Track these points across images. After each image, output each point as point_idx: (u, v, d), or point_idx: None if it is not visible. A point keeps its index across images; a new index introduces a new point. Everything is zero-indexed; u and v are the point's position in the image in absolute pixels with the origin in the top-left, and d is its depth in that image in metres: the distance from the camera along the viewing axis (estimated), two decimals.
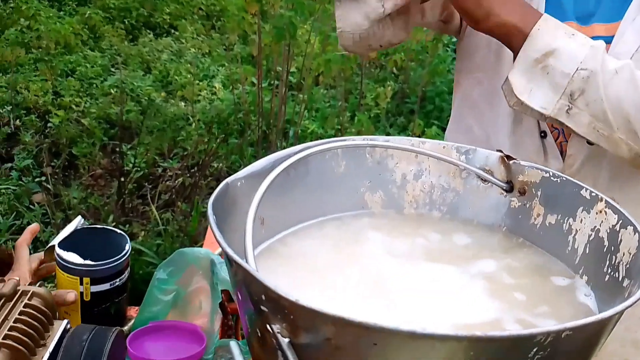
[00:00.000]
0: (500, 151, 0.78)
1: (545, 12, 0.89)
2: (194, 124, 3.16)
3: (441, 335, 0.45)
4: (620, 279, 0.60)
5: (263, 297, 0.45)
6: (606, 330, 0.51)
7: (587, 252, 0.68)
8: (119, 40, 3.86)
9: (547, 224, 0.73)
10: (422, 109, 3.45)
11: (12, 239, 2.34)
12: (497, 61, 0.93)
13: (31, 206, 2.60)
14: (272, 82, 3.13)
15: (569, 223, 0.71)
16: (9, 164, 2.86)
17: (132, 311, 1.16)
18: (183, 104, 3.35)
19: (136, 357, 0.82)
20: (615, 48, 0.85)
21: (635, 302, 0.49)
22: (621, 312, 0.48)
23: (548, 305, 0.64)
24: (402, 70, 3.78)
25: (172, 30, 4.18)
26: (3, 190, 2.66)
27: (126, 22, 4.12)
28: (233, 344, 0.58)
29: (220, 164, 2.90)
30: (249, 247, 0.46)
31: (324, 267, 0.66)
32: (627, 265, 0.59)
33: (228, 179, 0.62)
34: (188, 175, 2.81)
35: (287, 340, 0.45)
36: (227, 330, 0.99)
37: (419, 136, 3.23)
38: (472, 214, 0.79)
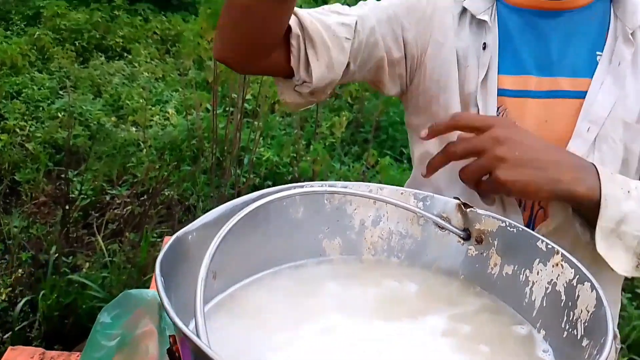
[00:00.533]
0: (458, 198, 0.77)
1: (500, 65, 0.88)
2: (145, 150, 3.09)
3: None
4: (579, 337, 0.59)
5: None
6: None
7: (545, 305, 0.67)
8: (68, 63, 3.76)
9: (504, 274, 0.73)
10: (375, 139, 3.49)
11: None
12: (446, 115, 0.89)
13: None
14: (228, 108, 3.10)
15: (526, 274, 0.70)
16: None
17: (74, 357, 1.09)
18: (134, 129, 3.27)
19: None
20: (588, 113, 0.87)
21: None
22: None
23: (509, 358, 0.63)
24: (356, 100, 3.82)
25: (125, 54, 4.10)
26: None
27: (77, 44, 4.02)
28: None
29: (172, 192, 2.83)
30: (201, 322, 0.43)
31: (279, 325, 0.63)
32: (586, 324, 0.59)
33: (178, 233, 0.58)
34: (137, 203, 2.73)
35: None
36: None
37: (374, 165, 3.25)
38: (430, 261, 0.78)
